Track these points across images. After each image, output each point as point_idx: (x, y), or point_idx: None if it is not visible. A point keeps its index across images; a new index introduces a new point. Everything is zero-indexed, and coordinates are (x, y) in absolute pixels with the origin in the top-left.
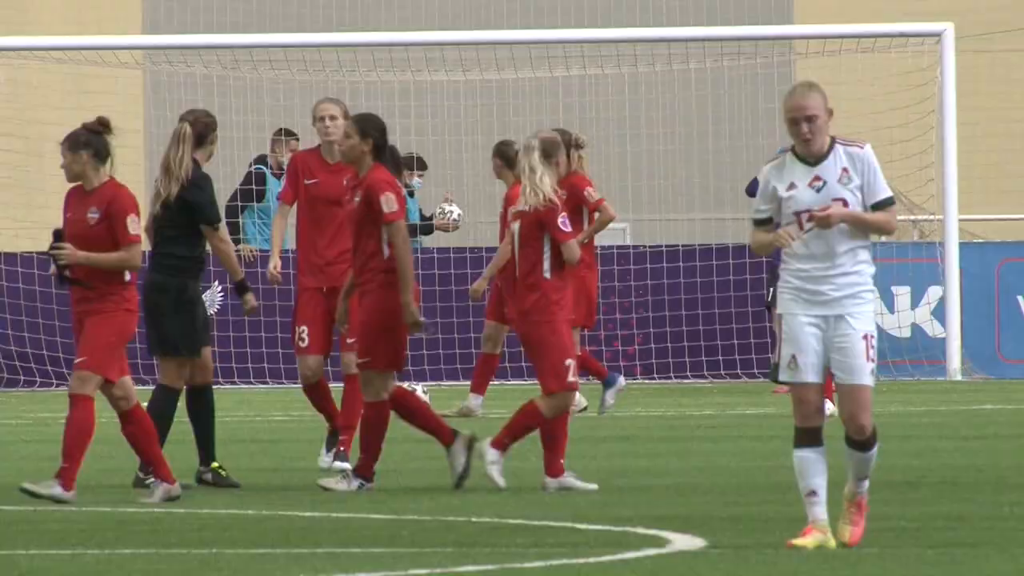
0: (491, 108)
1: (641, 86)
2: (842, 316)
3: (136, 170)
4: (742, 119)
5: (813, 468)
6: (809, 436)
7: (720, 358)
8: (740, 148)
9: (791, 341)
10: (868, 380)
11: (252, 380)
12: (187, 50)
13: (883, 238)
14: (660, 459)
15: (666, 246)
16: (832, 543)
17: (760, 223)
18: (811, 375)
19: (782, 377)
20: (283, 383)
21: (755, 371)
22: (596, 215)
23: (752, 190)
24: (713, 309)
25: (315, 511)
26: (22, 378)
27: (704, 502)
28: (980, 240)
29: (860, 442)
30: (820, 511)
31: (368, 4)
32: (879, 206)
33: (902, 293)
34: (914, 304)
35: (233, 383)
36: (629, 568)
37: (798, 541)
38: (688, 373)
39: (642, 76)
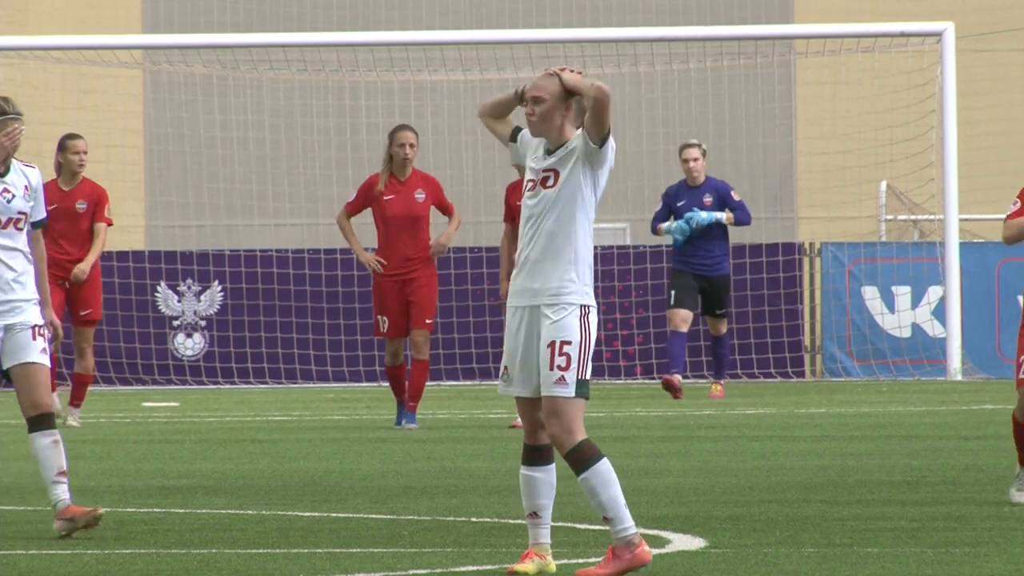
0: None
1: (641, 86)
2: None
3: (136, 169)
4: (742, 119)
5: (536, 489)
6: (532, 454)
7: None
8: (740, 148)
9: (506, 351)
10: (554, 391)
11: (252, 380)
12: (187, 50)
13: (883, 238)
14: (660, 459)
15: (666, 246)
16: (552, 567)
17: None
18: (524, 389)
19: (501, 391)
20: (283, 383)
21: (755, 371)
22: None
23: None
24: None
25: (315, 511)
26: None
27: (704, 502)
28: (980, 240)
29: (566, 454)
30: (541, 533)
31: (368, 4)
32: None
33: (902, 293)
34: (914, 304)
35: (233, 383)
36: None
37: (518, 567)
38: (688, 373)
39: (642, 76)
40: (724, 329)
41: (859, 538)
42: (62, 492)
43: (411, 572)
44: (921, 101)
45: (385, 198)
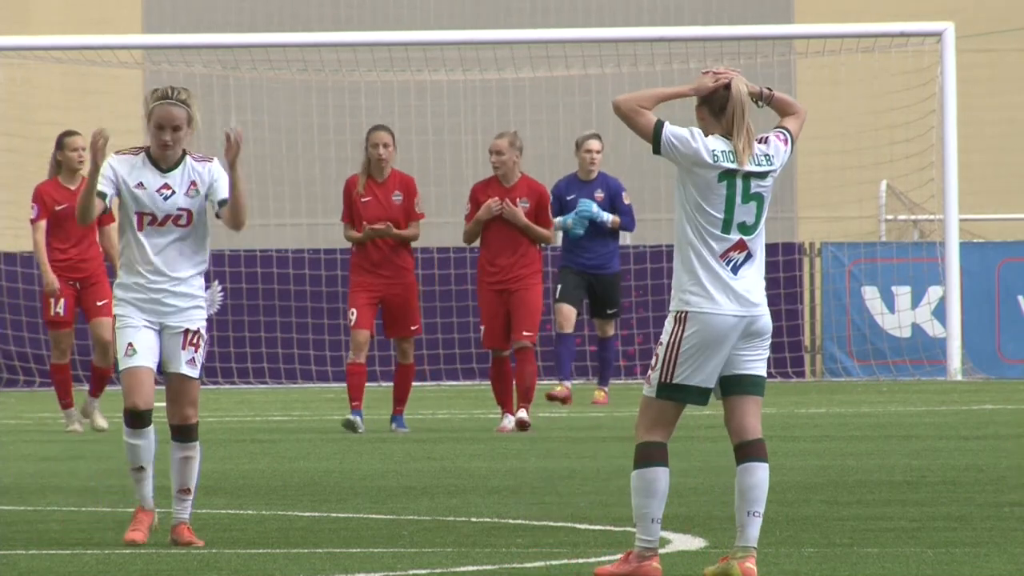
0: (491, 108)
1: (641, 86)
2: None
3: None
4: None
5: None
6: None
7: None
8: None
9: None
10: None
11: (252, 380)
12: (187, 50)
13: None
14: None
15: (666, 246)
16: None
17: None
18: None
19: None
20: (283, 383)
21: None
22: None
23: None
24: None
25: (315, 511)
26: (22, 378)
27: (704, 502)
28: (980, 240)
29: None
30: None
31: (368, 4)
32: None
33: (902, 293)
34: (914, 304)
35: (233, 383)
36: None
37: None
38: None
39: (642, 76)
40: (612, 332)
41: (859, 538)
42: (180, 510)
43: (411, 572)
44: (921, 101)
45: (363, 200)
